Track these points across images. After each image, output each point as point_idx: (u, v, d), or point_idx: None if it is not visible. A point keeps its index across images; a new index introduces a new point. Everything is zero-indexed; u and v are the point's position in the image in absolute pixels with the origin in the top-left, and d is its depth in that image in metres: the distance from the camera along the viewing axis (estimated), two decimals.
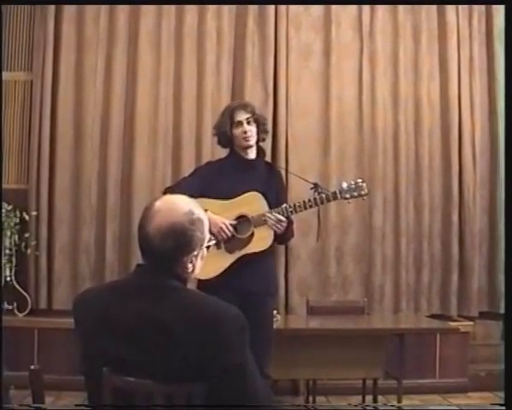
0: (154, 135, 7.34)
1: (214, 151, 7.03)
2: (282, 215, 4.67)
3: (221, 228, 4.64)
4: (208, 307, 2.37)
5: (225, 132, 4.84)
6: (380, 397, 5.91)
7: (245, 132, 4.79)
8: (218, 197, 4.71)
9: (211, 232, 4.26)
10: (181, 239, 2.41)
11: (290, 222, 4.82)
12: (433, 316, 7.15)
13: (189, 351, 2.27)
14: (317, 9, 7.58)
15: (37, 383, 2.55)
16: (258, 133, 4.89)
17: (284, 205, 4.69)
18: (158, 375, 2.27)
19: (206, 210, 4.41)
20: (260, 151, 4.96)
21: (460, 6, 7.62)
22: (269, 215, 4.65)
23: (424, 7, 7.63)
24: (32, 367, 2.57)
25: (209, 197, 4.66)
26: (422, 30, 7.63)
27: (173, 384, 2.29)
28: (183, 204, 2.47)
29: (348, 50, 7.59)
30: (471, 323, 7.28)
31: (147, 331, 2.30)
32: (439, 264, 7.60)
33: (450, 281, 7.53)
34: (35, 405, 2.57)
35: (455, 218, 7.57)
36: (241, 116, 4.81)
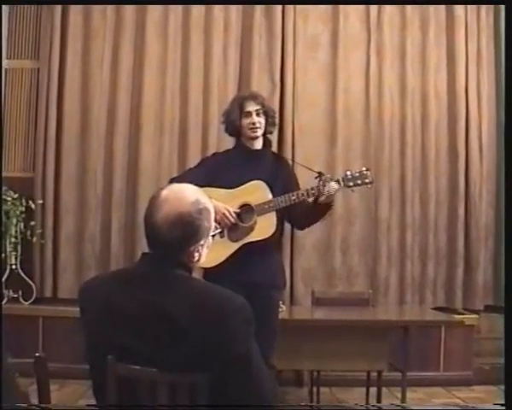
0: (161, 124, 7.34)
1: (220, 141, 7.05)
2: (285, 204, 4.68)
3: (224, 214, 4.65)
4: (214, 296, 2.37)
5: (233, 121, 4.85)
6: (384, 389, 5.90)
7: (253, 124, 4.80)
8: (224, 187, 4.73)
9: (214, 220, 4.25)
10: (188, 229, 2.41)
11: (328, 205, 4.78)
12: (437, 309, 7.14)
13: (194, 340, 2.27)
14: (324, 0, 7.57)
15: (42, 370, 2.56)
16: (266, 126, 4.90)
17: (288, 194, 4.70)
18: (163, 364, 2.27)
19: (210, 198, 4.42)
20: (267, 142, 4.97)
21: None
22: (333, 184, 4.62)
23: None
24: (37, 354, 2.57)
25: (215, 187, 4.67)
26: (430, 22, 7.61)
27: (178, 373, 2.29)
28: (189, 193, 2.48)
29: (356, 42, 7.56)
30: (476, 316, 7.28)
31: (152, 320, 2.30)
32: (445, 257, 7.60)
33: (456, 274, 7.52)
34: (41, 405, 2.57)
35: (461, 211, 7.56)
36: (251, 107, 4.82)
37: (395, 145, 7.55)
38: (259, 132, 4.85)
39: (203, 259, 2.53)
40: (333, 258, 7.42)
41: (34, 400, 2.55)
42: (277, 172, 4.89)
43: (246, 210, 4.74)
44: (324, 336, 5.49)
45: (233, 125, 4.87)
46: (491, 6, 7.68)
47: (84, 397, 6.00)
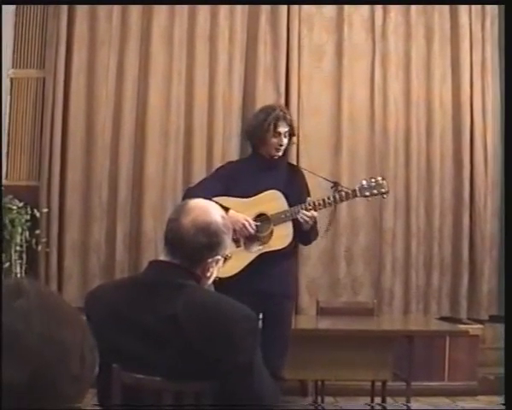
0: (166, 133, 7.35)
1: (225, 150, 7.10)
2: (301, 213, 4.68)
3: (244, 225, 4.63)
4: (220, 305, 2.38)
5: (263, 139, 4.77)
6: (388, 399, 5.90)
7: (280, 145, 4.76)
8: (239, 196, 4.71)
9: (233, 230, 4.33)
10: (214, 238, 2.46)
11: (314, 222, 4.80)
12: (442, 318, 7.15)
13: (199, 349, 2.27)
14: (329, 10, 7.58)
15: None
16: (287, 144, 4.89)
17: (303, 203, 4.69)
18: (167, 372, 2.28)
19: (227, 209, 4.47)
20: (283, 152, 4.93)
21: (473, 8, 7.62)
22: (304, 212, 4.64)
23: (437, 8, 7.61)
24: None
25: (230, 196, 4.66)
26: (435, 32, 7.62)
27: (182, 382, 2.29)
28: (216, 209, 2.56)
29: (360, 51, 7.58)
30: (481, 326, 7.26)
31: (158, 328, 2.31)
32: (450, 266, 7.59)
33: (461, 284, 7.52)
34: None
35: (465, 220, 7.56)
36: (282, 128, 4.76)
37: (400, 155, 7.55)
38: (281, 153, 4.83)
39: (211, 279, 2.55)
40: (337, 268, 7.42)
41: None
42: (293, 181, 4.87)
43: (262, 220, 4.73)
44: (329, 346, 5.49)
45: (261, 141, 4.80)
46: (496, 16, 7.69)
47: (88, 406, 5.98)
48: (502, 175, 7.67)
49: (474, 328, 7.00)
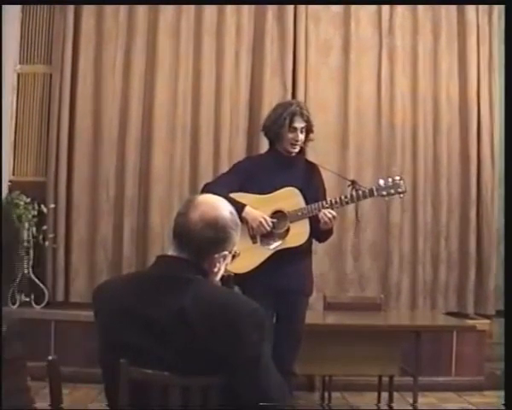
0: (173, 129, 7.35)
1: (232, 145, 7.13)
2: (318, 211, 4.67)
3: (260, 222, 4.63)
4: (227, 300, 2.38)
5: (279, 134, 4.76)
6: (395, 394, 5.89)
7: (296, 141, 4.75)
8: (256, 192, 4.71)
9: (251, 227, 4.32)
10: (221, 233, 2.45)
11: None
12: (449, 314, 7.14)
13: (205, 344, 2.27)
14: (336, 5, 7.56)
15: (55, 373, 2.56)
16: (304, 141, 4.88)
17: (320, 202, 4.69)
18: (175, 367, 2.28)
19: (244, 205, 4.48)
20: (301, 150, 4.93)
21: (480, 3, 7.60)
22: (325, 212, 4.64)
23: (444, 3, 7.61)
24: (50, 358, 2.57)
25: (247, 192, 4.67)
26: (442, 27, 7.61)
27: (190, 377, 2.29)
28: (225, 204, 2.54)
29: (367, 47, 7.57)
30: (488, 321, 7.26)
31: (165, 323, 2.31)
32: (457, 262, 7.59)
33: (468, 279, 7.51)
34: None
35: (472, 216, 7.55)
36: (298, 124, 4.75)
37: (407, 150, 7.55)
38: (298, 149, 4.82)
39: (220, 275, 2.55)
40: (345, 263, 7.43)
41: (46, 403, 2.55)
42: (310, 179, 4.86)
43: (279, 217, 4.73)
44: (336, 341, 5.48)
45: (277, 136, 4.79)
46: (503, 11, 7.66)
47: (95, 401, 6.00)
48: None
49: (481, 323, 7.01)
